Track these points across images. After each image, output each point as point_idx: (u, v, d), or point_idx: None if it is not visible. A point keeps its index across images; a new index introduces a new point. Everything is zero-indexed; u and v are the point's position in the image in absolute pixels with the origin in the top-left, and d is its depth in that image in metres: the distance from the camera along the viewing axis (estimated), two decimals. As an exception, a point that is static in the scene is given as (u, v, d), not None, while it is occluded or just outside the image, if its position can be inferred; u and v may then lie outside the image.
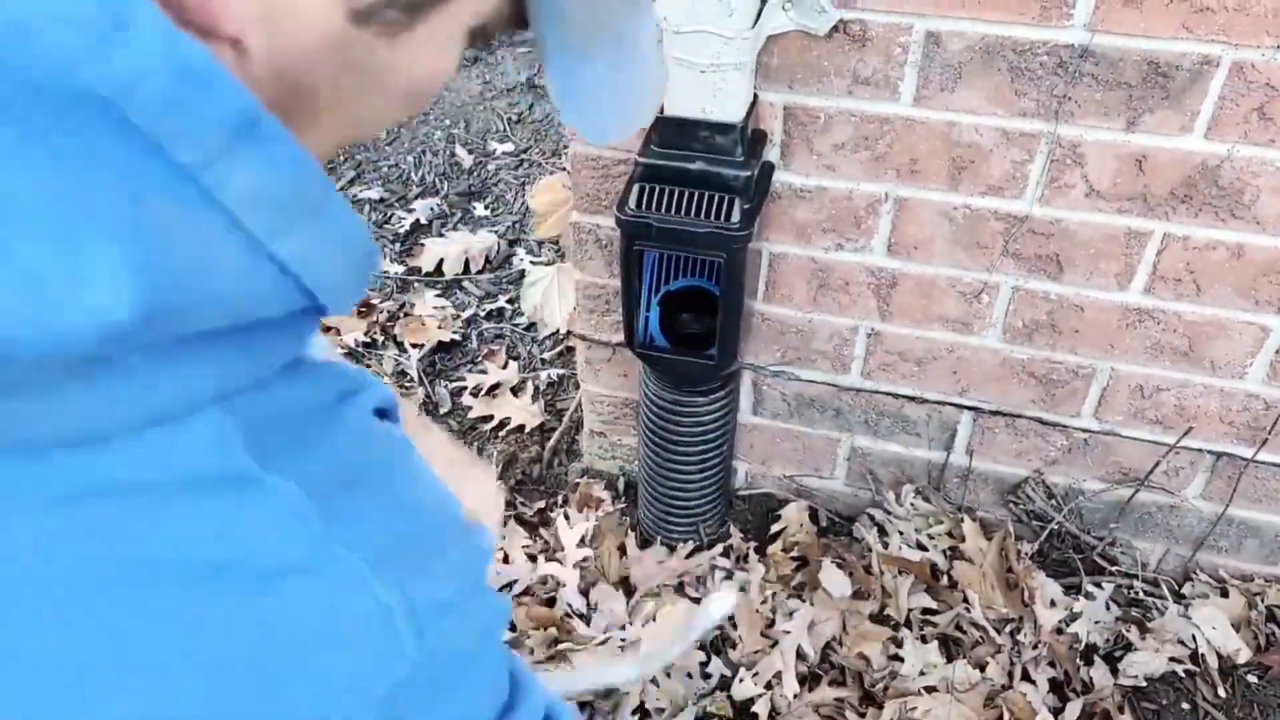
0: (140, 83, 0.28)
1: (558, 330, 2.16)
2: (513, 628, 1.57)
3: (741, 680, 1.48)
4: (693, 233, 1.27)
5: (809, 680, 1.50)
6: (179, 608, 0.32)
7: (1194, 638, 1.54)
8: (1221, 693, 1.50)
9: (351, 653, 0.36)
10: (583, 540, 1.70)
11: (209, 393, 0.33)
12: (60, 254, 0.27)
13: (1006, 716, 1.43)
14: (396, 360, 2.13)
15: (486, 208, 2.56)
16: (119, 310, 0.28)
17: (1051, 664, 1.51)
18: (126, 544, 0.31)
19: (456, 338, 2.17)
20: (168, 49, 0.28)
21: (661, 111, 1.26)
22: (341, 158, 2.72)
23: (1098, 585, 1.62)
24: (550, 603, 1.61)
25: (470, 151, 2.75)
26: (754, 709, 1.45)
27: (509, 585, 1.66)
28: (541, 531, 1.75)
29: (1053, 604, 1.56)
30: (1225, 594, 1.59)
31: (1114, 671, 1.51)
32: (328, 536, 0.35)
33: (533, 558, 1.70)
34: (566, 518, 1.75)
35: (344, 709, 0.36)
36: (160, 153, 0.29)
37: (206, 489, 0.33)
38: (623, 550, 1.69)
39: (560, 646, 1.51)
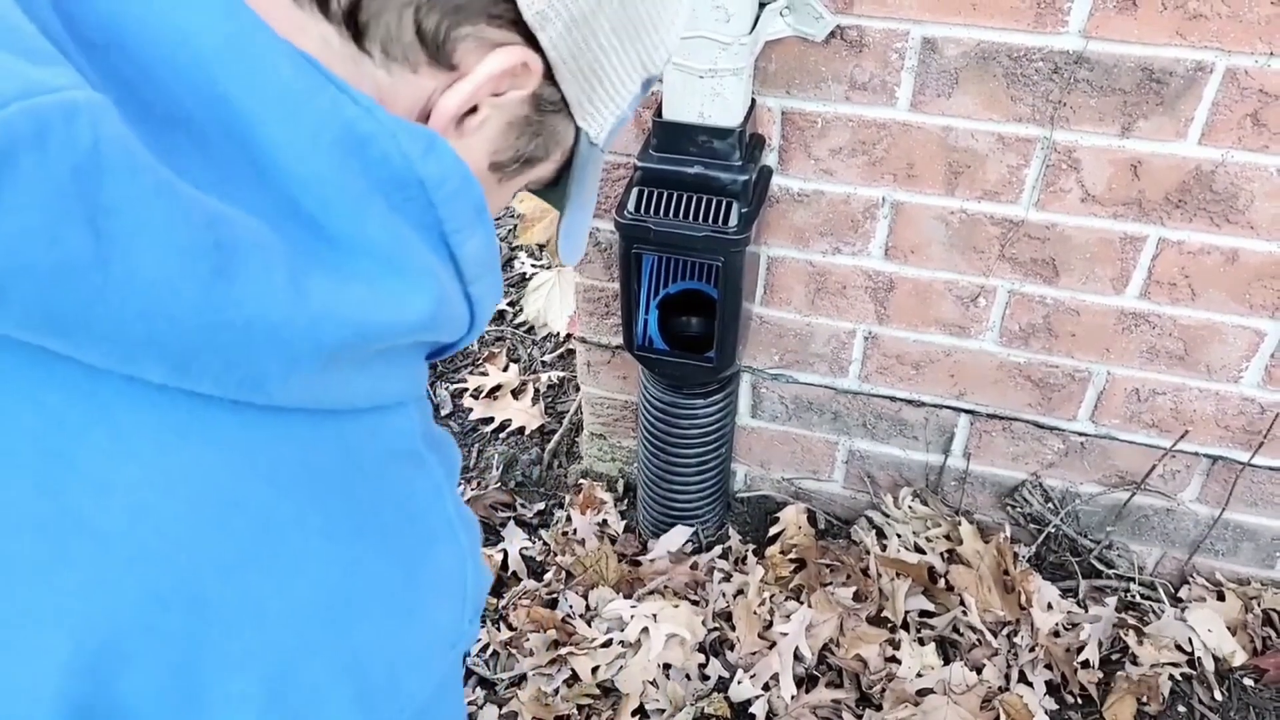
0: (446, 179, 0.44)
1: (558, 333, 2.17)
2: (511, 627, 1.58)
3: (739, 682, 1.49)
4: (691, 236, 1.28)
5: (806, 682, 1.51)
6: (377, 562, 0.44)
7: (1190, 641, 1.54)
8: (1218, 695, 1.51)
9: (449, 612, 0.49)
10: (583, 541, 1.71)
11: (412, 393, 0.48)
12: (396, 275, 0.42)
13: (1003, 719, 1.43)
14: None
15: (488, 211, 2.57)
16: (422, 317, 0.43)
17: (1048, 666, 1.51)
18: (353, 499, 0.44)
19: (458, 340, 2.18)
20: (457, 162, 0.45)
21: (660, 116, 1.27)
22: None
23: (1099, 598, 1.63)
24: (552, 604, 1.62)
25: (472, 155, 2.76)
26: (751, 710, 1.46)
27: (510, 585, 1.67)
28: (541, 533, 1.76)
29: (1050, 607, 1.57)
30: (1221, 597, 1.60)
31: (1111, 674, 1.51)
32: (455, 512, 0.49)
33: (533, 559, 1.71)
34: (569, 519, 1.76)
35: (435, 655, 0.48)
36: (439, 222, 0.45)
37: (403, 460, 0.47)
38: (620, 553, 1.70)
39: (562, 650, 1.52)
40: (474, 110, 0.47)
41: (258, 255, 0.38)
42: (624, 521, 1.77)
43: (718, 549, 1.69)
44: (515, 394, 2.05)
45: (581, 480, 1.86)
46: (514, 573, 1.69)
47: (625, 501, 1.82)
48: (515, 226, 2.52)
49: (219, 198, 0.38)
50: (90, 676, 0.38)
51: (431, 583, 0.47)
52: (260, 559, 0.40)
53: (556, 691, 1.48)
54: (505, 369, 2.10)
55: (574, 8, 0.47)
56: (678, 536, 1.68)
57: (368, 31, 0.42)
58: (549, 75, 0.48)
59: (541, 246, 2.44)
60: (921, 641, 1.53)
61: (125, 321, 0.36)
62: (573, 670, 1.50)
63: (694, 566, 1.65)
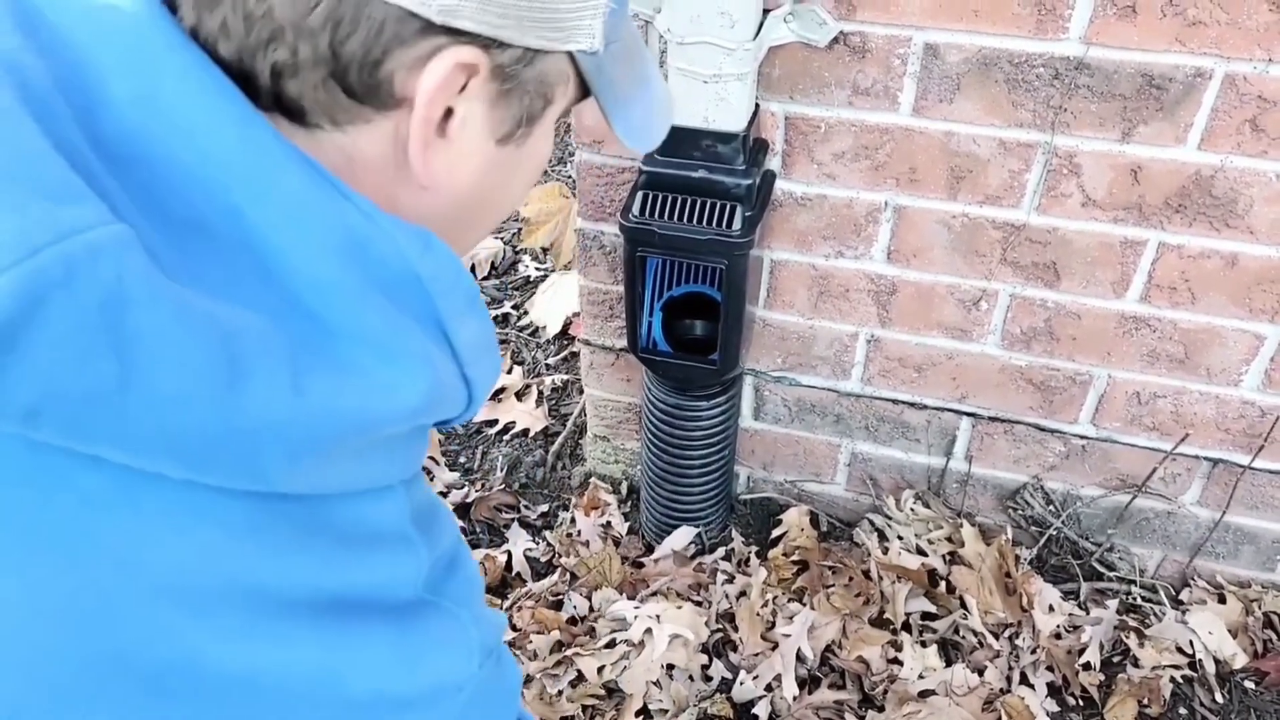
0: (441, 273, 0.48)
1: (562, 335, 2.18)
2: (514, 627, 1.59)
3: (742, 683, 1.50)
4: (695, 240, 1.29)
5: (809, 683, 1.51)
6: (352, 627, 0.48)
7: (1191, 643, 1.55)
8: (1219, 698, 1.51)
9: (446, 666, 0.53)
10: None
11: (402, 475, 0.51)
12: (392, 363, 0.46)
13: (1004, 720, 1.44)
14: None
15: (493, 215, 2.58)
16: (416, 403, 0.46)
17: (1050, 668, 1.52)
18: (341, 574, 0.47)
19: (462, 343, 2.19)
20: (451, 258, 0.49)
21: (665, 121, 1.28)
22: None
23: (1100, 600, 1.63)
24: (556, 605, 1.63)
25: (477, 159, 2.78)
26: (754, 711, 1.47)
27: (515, 586, 1.68)
28: (546, 535, 1.77)
29: (1051, 609, 1.58)
30: (1222, 600, 1.60)
31: (1112, 676, 1.52)
32: (432, 585, 0.52)
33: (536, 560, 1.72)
34: (574, 520, 1.77)
35: (447, 691, 0.52)
36: (437, 313, 0.48)
37: (388, 542, 0.50)
38: (625, 554, 1.71)
39: (568, 652, 1.53)
40: (449, 114, 0.47)
41: (264, 362, 0.42)
42: (627, 523, 1.78)
43: (721, 550, 1.70)
44: (519, 396, 2.06)
45: (588, 481, 1.87)
46: (518, 574, 1.70)
47: (628, 503, 1.83)
48: (520, 230, 2.54)
49: (229, 297, 0.42)
50: None
51: (421, 643, 0.51)
52: (260, 630, 0.44)
53: (560, 692, 1.49)
54: (509, 371, 2.12)
55: None
56: (682, 537, 1.69)
57: (305, 110, 0.45)
58: (494, 43, 0.48)
59: (545, 250, 2.46)
60: (924, 643, 1.54)
61: (145, 433, 0.40)
62: (579, 671, 1.51)
63: (697, 568, 1.66)
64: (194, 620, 0.43)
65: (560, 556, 1.71)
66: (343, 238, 0.45)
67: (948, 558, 1.63)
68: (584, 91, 0.55)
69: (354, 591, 0.47)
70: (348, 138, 0.47)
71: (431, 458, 1.90)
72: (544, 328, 2.16)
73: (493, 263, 2.43)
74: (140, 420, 0.40)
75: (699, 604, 1.61)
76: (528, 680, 1.52)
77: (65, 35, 0.42)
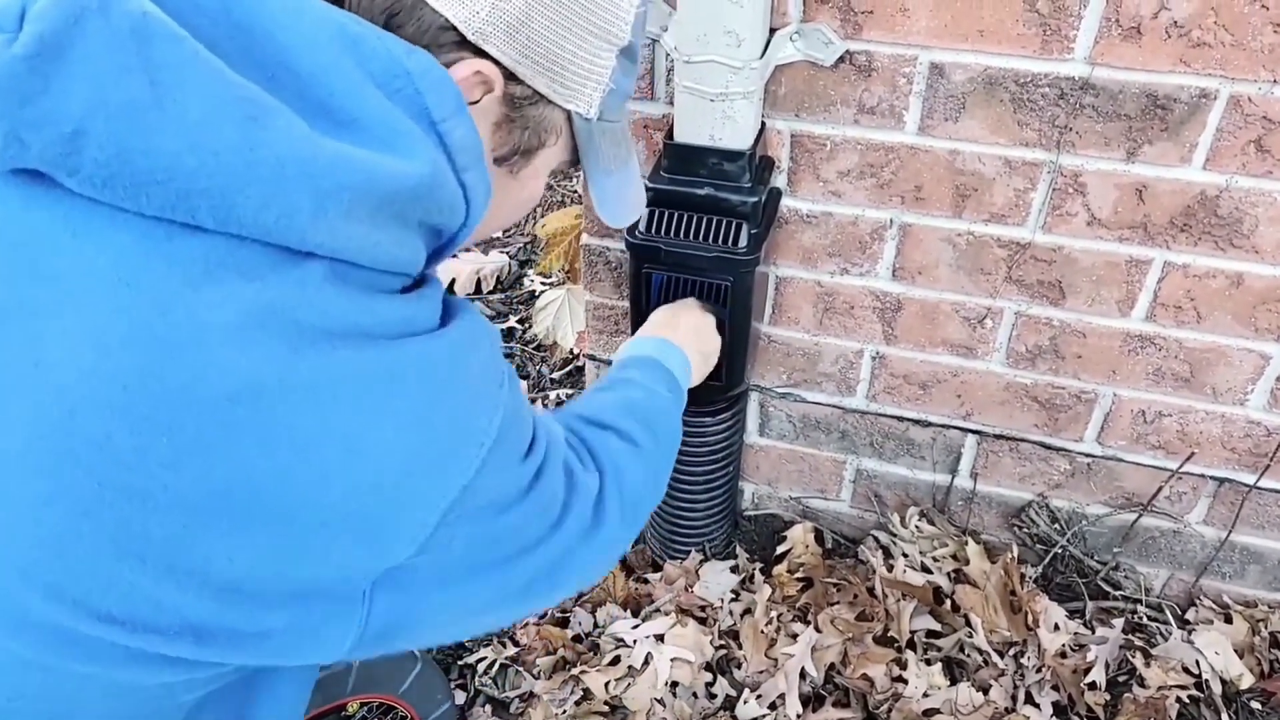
0: (429, 70, 0.55)
1: (570, 350, 2.18)
2: (516, 644, 1.59)
3: (746, 701, 1.49)
4: (701, 256, 1.30)
5: (813, 701, 1.51)
6: (391, 343, 0.54)
7: (1198, 663, 1.54)
8: (1225, 718, 1.50)
9: (483, 359, 0.61)
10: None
11: (416, 266, 0.58)
12: (393, 149, 0.53)
13: (1009, 739, 1.44)
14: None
15: (498, 230, 2.60)
16: (421, 177, 0.54)
17: (1055, 688, 1.51)
18: (371, 315, 0.53)
19: (467, 357, 2.20)
20: (439, 68, 0.56)
21: (671, 138, 1.29)
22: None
23: (1106, 619, 1.63)
24: (562, 623, 1.62)
25: (483, 174, 2.79)
26: (758, 729, 1.46)
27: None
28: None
29: (1057, 628, 1.57)
30: (1229, 620, 1.60)
31: (1118, 696, 1.51)
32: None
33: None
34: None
35: (493, 386, 0.61)
36: (427, 109, 0.54)
37: (413, 297, 0.57)
38: (629, 570, 1.71)
39: (574, 670, 1.52)
40: None
41: (281, 113, 0.48)
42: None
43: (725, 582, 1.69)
44: (524, 411, 2.06)
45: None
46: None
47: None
48: (525, 244, 2.55)
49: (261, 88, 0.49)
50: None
51: (460, 340, 0.58)
52: (306, 353, 0.49)
53: (564, 710, 1.48)
54: (514, 386, 2.12)
55: (509, 16, 0.57)
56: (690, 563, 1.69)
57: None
58: (512, 76, 0.60)
59: (567, 273, 2.46)
60: (928, 662, 1.53)
61: (179, 155, 0.45)
62: (584, 691, 1.50)
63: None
64: (239, 351, 0.47)
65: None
66: (335, 31, 0.52)
67: (953, 575, 1.63)
68: (575, 155, 0.68)
69: (387, 325, 0.53)
70: None
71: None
72: (553, 342, 2.16)
73: (498, 277, 2.43)
74: (175, 138, 0.44)
75: (703, 621, 1.60)
76: (533, 698, 1.51)
77: None
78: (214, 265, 0.47)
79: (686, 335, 1.16)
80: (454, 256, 2.47)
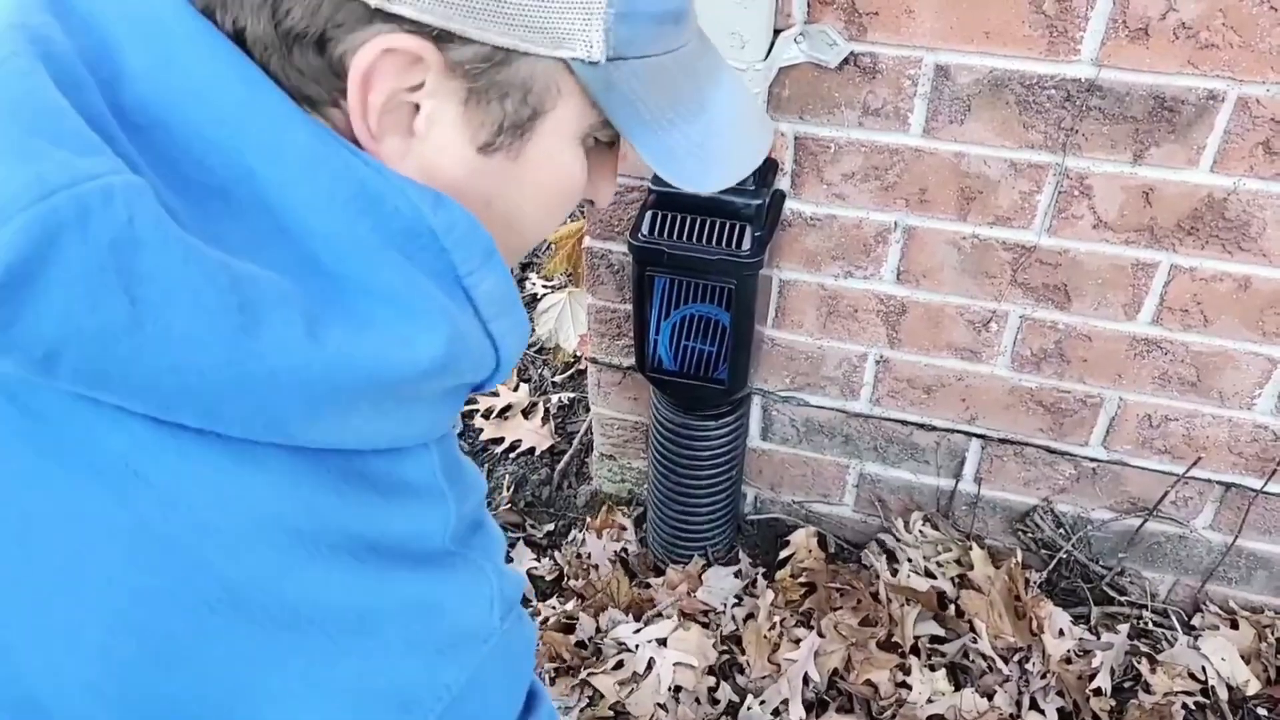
0: (455, 225, 0.47)
1: (570, 353, 2.18)
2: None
3: (749, 707, 1.48)
4: (704, 259, 1.29)
5: (816, 707, 1.50)
6: (384, 574, 0.48)
7: (1204, 669, 1.53)
8: (1231, 725, 1.49)
9: (472, 614, 0.53)
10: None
11: (431, 435, 0.51)
12: (409, 319, 0.45)
13: (1014, 746, 1.43)
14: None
15: (500, 232, 2.59)
16: (435, 357, 0.46)
17: (1060, 694, 1.50)
18: (373, 522, 0.48)
19: (469, 360, 2.19)
20: (464, 214, 0.48)
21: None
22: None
23: (1111, 625, 1.62)
24: (562, 628, 1.61)
25: (485, 177, 2.79)
26: (761, 735, 1.45)
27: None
28: (555, 555, 1.76)
29: (1061, 633, 1.56)
30: (1235, 625, 1.59)
31: (1123, 702, 1.50)
32: (461, 539, 0.53)
33: (541, 579, 1.71)
34: (584, 541, 1.76)
35: (471, 642, 0.52)
36: (453, 266, 0.47)
37: (419, 494, 0.51)
38: (631, 574, 1.70)
39: (584, 674, 1.51)
40: (416, 110, 0.47)
41: (279, 311, 0.42)
42: (635, 544, 1.77)
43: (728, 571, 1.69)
44: (525, 414, 2.05)
45: (595, 500, 1.86)
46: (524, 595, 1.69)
47: (634, 521, 1.82)
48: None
49: (250, 257, 0.42)
50: (136, 673, 0.43)
51: (451, 593, 0.51)
52: (295, 572, 0.45)
53: (571, 716, 1.47)
54: (516, 389, 2.11)
55: None
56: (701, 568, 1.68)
57: (287, 83, 0.46)
58: (448, 36, 0.45)
59: (569, 276, 2.46)
60: (932, 667, 1.52)
61: (159, 375, 0.41)
62: (589, 697, 1.49)
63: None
64: (232, 560, 0.43)
65: (570, 579, 1.69)
66: (354, 192, 0.45)
67: (957, 580, 1.62)
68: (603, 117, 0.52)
69: (386, 539, 0.48)
70: (340, 112, 0.47)
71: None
72: (555, 345, 2.15)
73: (500, 280, 2.43)
74: (155, 361, 0.40)
75: (706, 625, 1.59)
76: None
77: (89, 14, 0.44)
78: (212, 460, 0.44)
79: None
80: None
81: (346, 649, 0.46)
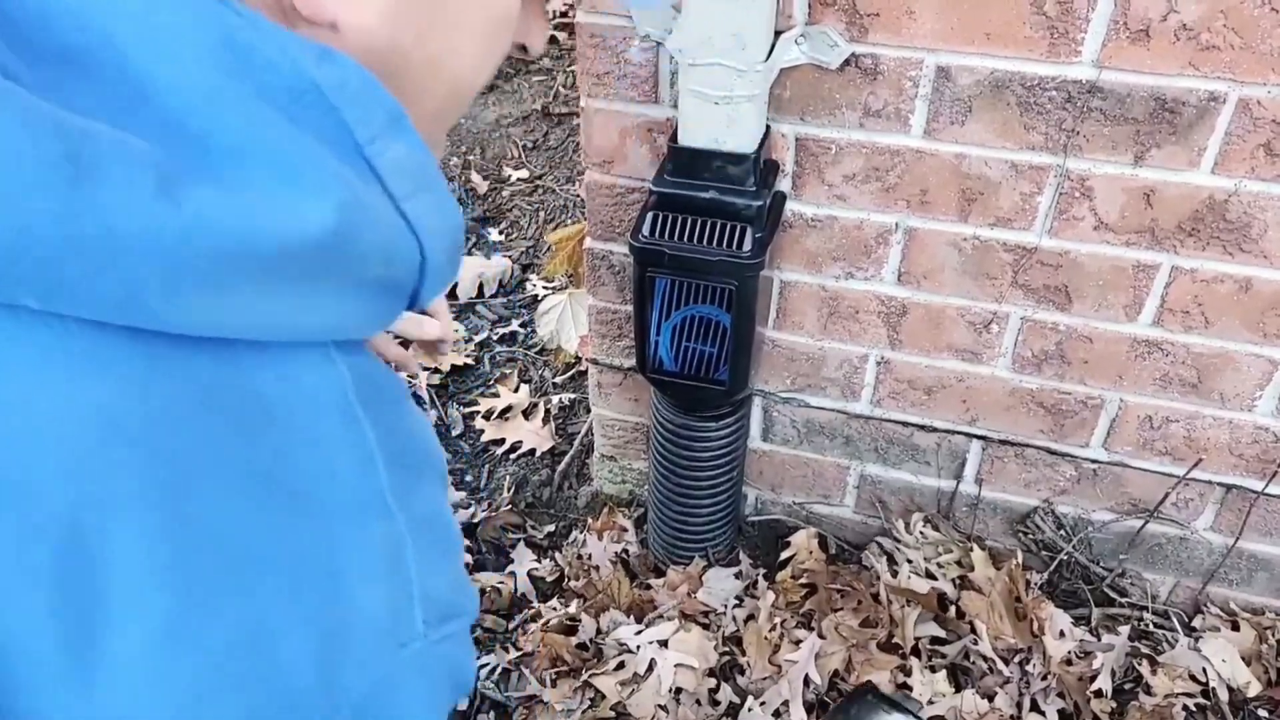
0: (346, 82, 0.41)
1: (570, 354, 2.18)
2: (517, 648, 1.58)
3: (750, 709, 1.48)
4: (705, 260, 1.29)
5: (817, 708, 1.50)
6: (278, 517, 0.40)
7: (1205, 671, 1.53)
8: (1232, 727, 1.49)
9: (386, 600, 0.43)
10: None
11: (340, 334, 0.43)
12: (292, 183, 0.39)
13: (1015, 747, 1.42)
14: (410, 382, 2.14)
15: (500, 233, 2.59)
16: (324, 226, 0.39)
17: (1061, 695, 1.50)
18: (259, 445, 0.40)
19: (470, 361, 2.19)
20: (360, 71, 0.42)
21: (676, 141, 1.28)
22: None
23: (1112, 627, 1.62)
24: (569, 630, 1.61)
25: (485, 177, 2.79)
26: (761, 736, 1.45)
27: (523, 607, 1.67)
28: (556, 556, 1.76)
29: (1062, 635, 1.56)
30: (1236, 627, 1.59)
31: (1124, 704, 1.50)
32: (388, 492, 0.43)
33: (541, 580, 1.71)
34: (585, 543, 1.76)
35: (372, 646, 0.42)
36: (347, 130, 0.41)
37: (326, 414, 0.42)
38: (632, 575, 1.70)
39: (585, 676, 1.51)
40: None
41: (121, 168, 0.37)
42: (635, 544, 1.77)
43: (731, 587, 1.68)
44: (526, 415, 2.05)
45: (596, 501, 1.86)
46: (523, 594, 1.69)
47: (635, 524, 1.82)
48: (528, 249, 2.54)
49: (109, 123, 0.37)
50: None
51: (357, 561, 0.42)
52: (148, 499, 0.37)
53: (573, 717, 1.47)
54: (516, 390, 2.11)
55: None
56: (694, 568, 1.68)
57: None
58: None
59: (570, 276, 2.46)
60: (933, 669, 1.52)
61: None
62: (590, 699, 1.49)
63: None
64: (78, 488, 0.36)
65: (570, 580, 1.69)
66: (220, 43, 0.39)
67: (957, 582, 1.62)
68: None
69: (266, 468, 0.40)
70: None
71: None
72: (558, 349, 2.15)
73: (500, 281, 2.43)
74: None
75: (707, 627, 1.59)
76: (535, 702, 1.51)
77: None
78: (59, 352, 0.37)
79: None
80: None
81: (214, 604, 0.38)
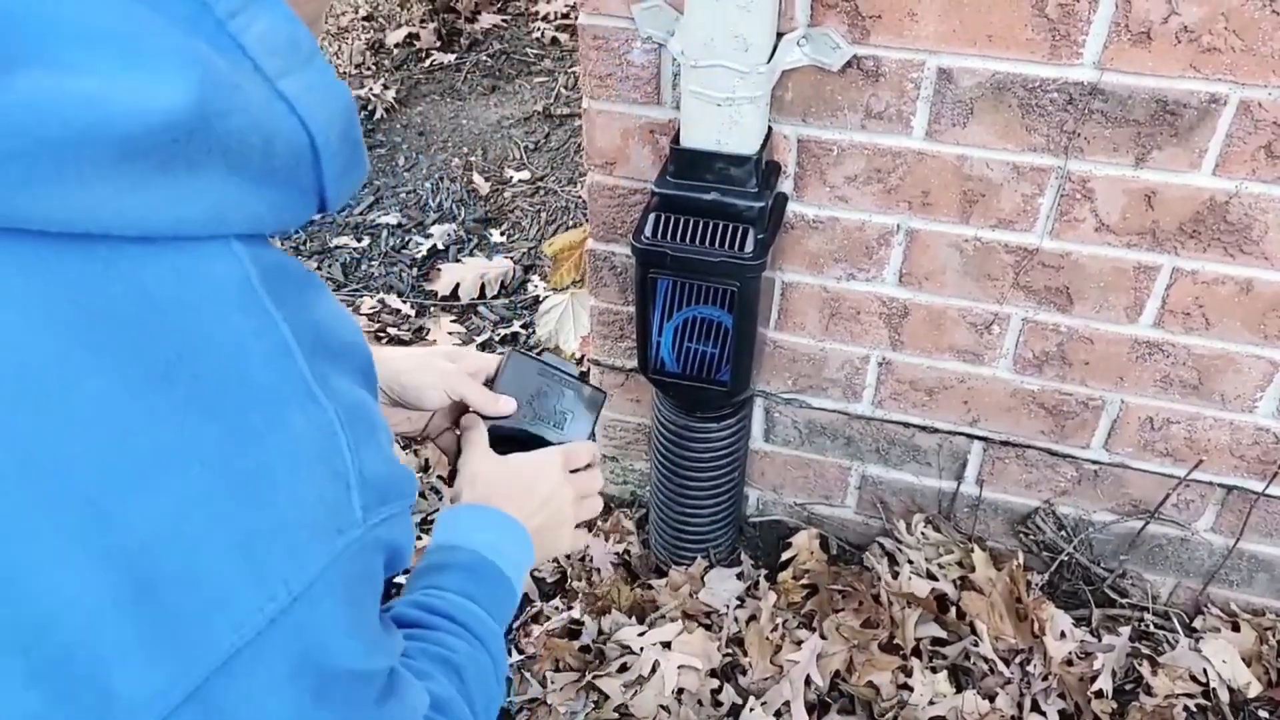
0: (255, 20, 0.39)
1: (572, 355, 2.18)
2: (520, 650, 1.58)
3: (752, 709, 1.48)
4: (707, 261, 1.29)
5: (818, 709, 1.50)
6: (181, 416, 0.38)
7: (1205, 672, 1.53)
8: (1233, 728, 1.49)
9: (318, 489, 0.42)
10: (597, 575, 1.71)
11: (234, 226, 0.41)
12: (138, 65, 0.37)
13: (1016, 748, 1.43)
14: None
15: (502, 234, 2.60)
16: (180, 106, 0.37)
17: (1061, 695, 1.51)
18: (151, 345, 0.38)
19: (471, 362, 2.19)
20: (282, 21, 0.40)
21: (678, 143, 1.29)
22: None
23: (1113, 627, 1.62)
24: (572, 634, 1.61)
25: (487, 179, 2.79)
26: (763, 736, 1.46)
27: (525, 608, 1.67)
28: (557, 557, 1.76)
29: (1063, 635, 1.56)
30: (1236, 628, 1.59)
31: (1125, 705, 1.51)
32: (312, 380, 0.42)
33: (543, 581, 1.71)
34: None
35: (305, 538, 0.41)
36: (206, 6, 0.39)
37: (226, 306, 0.40)
38: (634, 576, 1.70)
39: (589, 677, 1.51)
40: None
41: None
42: (637, 545, 1.77)
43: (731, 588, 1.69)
44: (528, 416, 2.05)
45: (607, 504, 1.86)
46: (525, 594, 1.69)
47: (636, 524, 1.82)
48: (530, 250, 2.55)
49: None
50: None
51: (282, 450, 0.40)
52: (27, 404, 0.35)
53: (573, 718, 1.48)
54: (518, 391, 2.11)
55: None
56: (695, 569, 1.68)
57: None
58: None
59: (576, 283, 2.46)
60: (934, 669, 1.53)
61: None
62: (594, 702, 1.49)
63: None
64: None
65: (572, 581, 1.70)
66: None
67: (958, 582, 1.62)
68: None
69: (177, 371, 0.38)
70: None
71: (440, 477, 1.90)
72: (558, 349, 2.15)
73: (502, 281, 2.43)
74: None
75: (709, 627, 1.59)
76: (538, 704, 1.51)
77: None
78: None
79: (539, 516, 0.84)
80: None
81: (113, 508, 0.36)
